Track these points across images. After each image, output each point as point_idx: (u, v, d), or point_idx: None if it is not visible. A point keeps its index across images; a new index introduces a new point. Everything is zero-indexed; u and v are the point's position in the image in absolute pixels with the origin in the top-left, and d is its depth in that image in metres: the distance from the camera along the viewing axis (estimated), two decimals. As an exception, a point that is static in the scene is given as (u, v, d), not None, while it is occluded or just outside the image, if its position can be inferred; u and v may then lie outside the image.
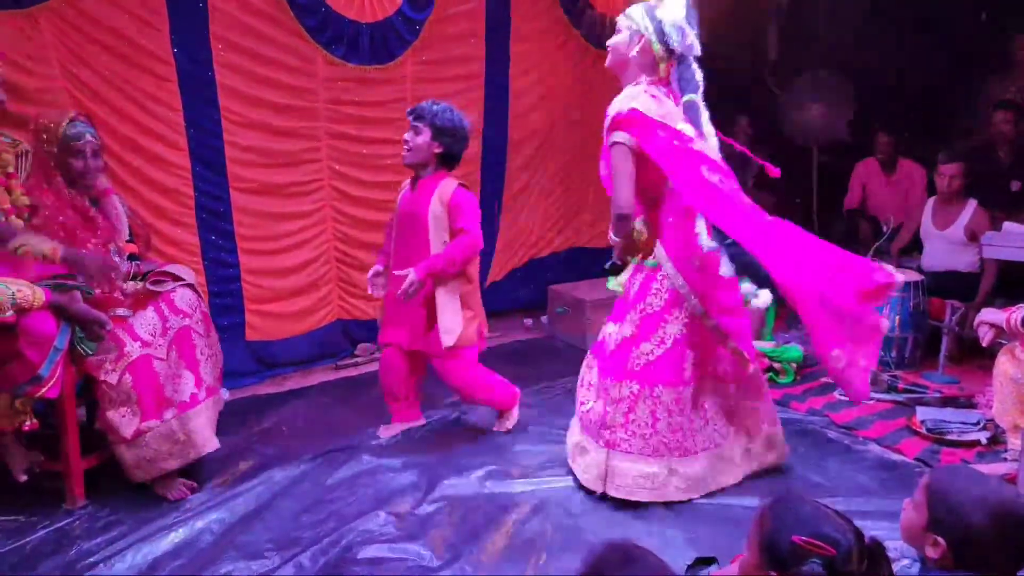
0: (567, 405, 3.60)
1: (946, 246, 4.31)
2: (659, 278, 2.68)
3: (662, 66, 2.60)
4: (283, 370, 4.02)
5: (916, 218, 4.57)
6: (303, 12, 3.75)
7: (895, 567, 1.55)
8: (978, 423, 3.25)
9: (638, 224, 2.74)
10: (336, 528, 2.51)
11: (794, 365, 3.96)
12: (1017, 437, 2.81)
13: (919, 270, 4.32)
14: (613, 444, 2.67)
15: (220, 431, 2.89)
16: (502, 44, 4.60)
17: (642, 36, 2.58)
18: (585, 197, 5.28)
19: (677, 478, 2.66)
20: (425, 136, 2.96)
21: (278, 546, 2.42)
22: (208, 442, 2.77)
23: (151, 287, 2.78)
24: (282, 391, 3.81)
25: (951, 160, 4.24)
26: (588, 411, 2.81)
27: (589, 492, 2.73)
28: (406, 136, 3.00)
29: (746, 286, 2.72)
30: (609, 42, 2.69)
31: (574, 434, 2.92)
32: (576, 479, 2.82)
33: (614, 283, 2.88)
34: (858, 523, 1.46)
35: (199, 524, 2.53)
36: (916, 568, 1.66)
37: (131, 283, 2.82)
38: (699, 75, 2.60)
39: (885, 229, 4.42)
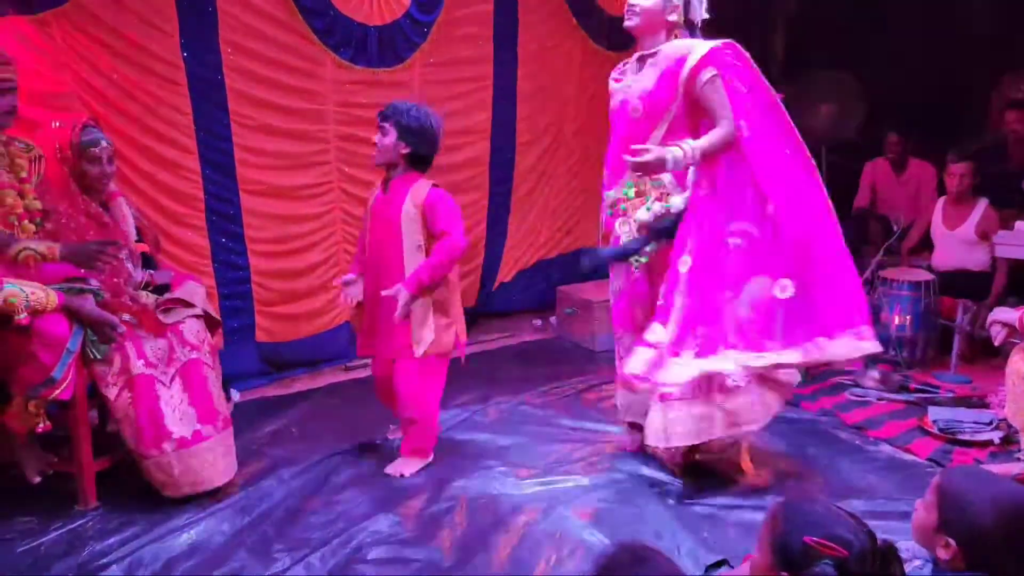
0: (575, 405, 3.61)
1: (957, 245, 4.29)
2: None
3: (677, 32, 2.70)
4: (292, 372, 4.03)
5: (926, 217, 4.55)
6: (311, 15, 3.76)
7: (907, 568, 1.54)
8: (991, 423, 3.23)
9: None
10: (346, 529, 2.51)
11: (804, 365, 3.95)
12: (1030, 437, 2.79)
13: (930, 269, 4.30)
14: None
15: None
16: (510, 46, 4.60)
17: (677, 5, 2.68)
18: (594, 198, 5.27)
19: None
20: (391, 136, 2.84)
21: (288, 547, 2.43)
22: (219, 475, 2.70)
23: (161, 317, 2.72)
24: (291, 393, 3.82)
25: (961, 159, 4.22)
26: None
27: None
28: (375, 137, 2.89)
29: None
30: (642, 5, 2.67)
31: None
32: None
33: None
34: (870, 524, 1.45)
35: (210, 525, 2.54)
36: (928, 569, 1.66)
37: (144, 292, 2.83)
38: None
39: (895, 228, 4.40)
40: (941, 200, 4.43)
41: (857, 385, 3.80)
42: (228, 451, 2.79)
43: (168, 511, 2.61)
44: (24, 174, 2.60)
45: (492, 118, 4.63)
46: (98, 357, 2.50)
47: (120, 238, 2.79)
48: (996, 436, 3.13)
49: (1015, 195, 4.44)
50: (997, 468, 2.70)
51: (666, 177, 2.69)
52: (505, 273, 4.99)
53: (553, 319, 4.94)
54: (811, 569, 1.37)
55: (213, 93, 3.56)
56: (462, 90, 4.49)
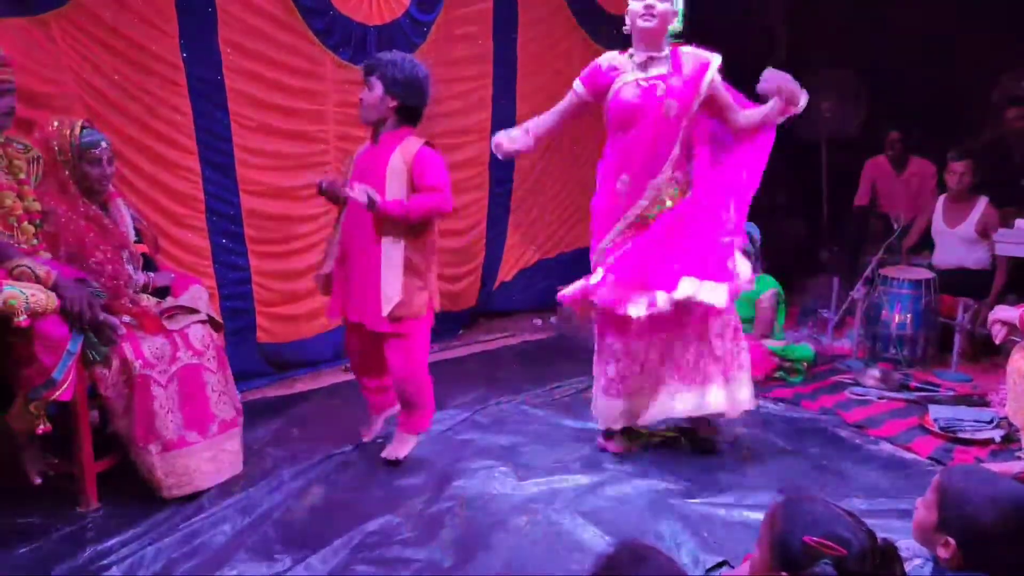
0: (577, 405, 3.61)
1: (957, 243, 4.29)
2: None
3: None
4: (293, 372, 4.04)
5: (927, 215, 4.55)
6: (311, 15, 3.76)
7: (907, 567, 1.54)
8: (991, 421, 3.23)
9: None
10: (346, 529, 2.51)
11: (805, 364, 3.95)
12: (1031, 435, 2.79)
13: (930, 267, 4.30)
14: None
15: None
16: (510, 45, 4.61)
17: (675, 13, 2.91)
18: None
19: None
20: (378, 90, 2.72)
21: (289, 547, 2.43)
22: (206, 479, 2.70)
23: (166, 323, 2.72)
24: (292, 393, 3.82)
25: (961, 157, 4.22)
26: None
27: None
28: (361, 93, 2.78)
29: None
30: (660, 8, 2.78)
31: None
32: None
33: None
34: (870, 523, 1.45)
35: (211, 526, 2.54)
36: (929, 568, 1.66)
37: (145, 295, 2.83)
38: None
39: (895, 227, 4.41)
40: (941, 198, 4.43)
41: (858, 384, 3.80)
42: (218, 456, 2.76)
43: (169, 512, 2.61)
44: (23, 175, 2.59)
45: (492, 117, 4.62)
46: (98, 359, 2.50)
47: (121, 240, 2.79)
48: (997, 434, 3.13)
49: (1015, 193, 4.45)
50: (998, 467, 2.70)
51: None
52: (506, 272, 4.99)
53: (554, 319, 4.94)
54: (811, 568, 1.37)
55: (213, 93, 3.56)
56: (462, 89, 4.48)
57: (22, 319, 2.27)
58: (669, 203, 2.89)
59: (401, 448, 2.98)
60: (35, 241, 2.57)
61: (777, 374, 3.90)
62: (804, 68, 5.64)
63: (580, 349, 4.45)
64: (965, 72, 5.25)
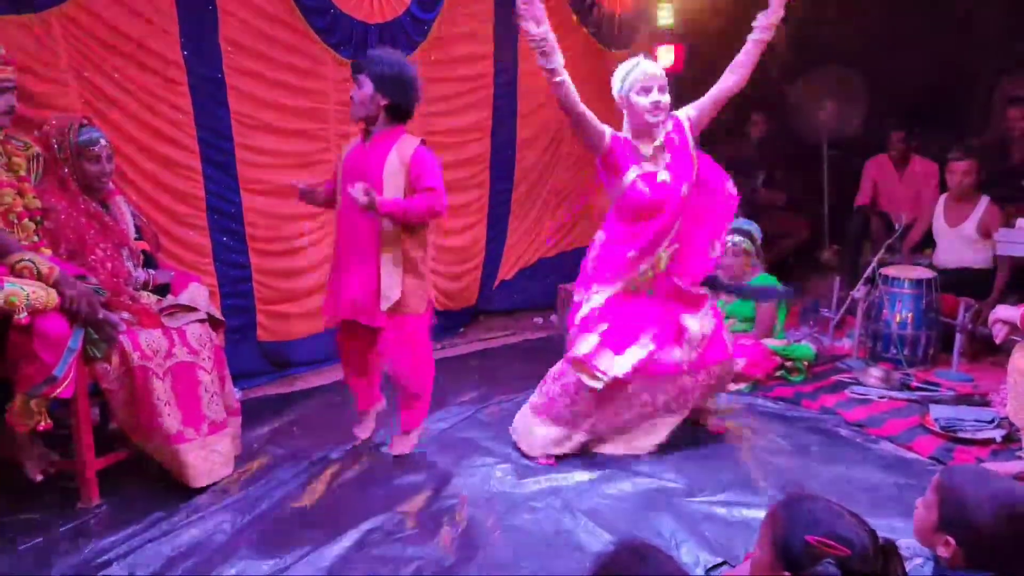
0: (577, 404, 3.60)
1: (958, 243, 4.28)
2: None
3: None
4: (294, 370, 4.04)
5: (928, 215, 4.54)
6: (312, 14, 3.76)
7: (908, 566, 1.54)
8: (992, 421, 3.23)
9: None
10: (347, 527, 2.51)
11: (806, 363, 3.95)
12: (1032, 435, 2.79)
13: (931, 267, 4.29)
14: None
15: (232, 431, 2.90)
16: (510, 43, 4.60)
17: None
18: (594, 196, 5.27)
19: None
20: (367, 88, 2.71)
21: (289, 545, 2.42)
22: (200, 477, 2.70)
23: (165, 321, 2.72)
24: (293, 391, 3.83)
25: (963, 157, 4.22)
26: None
27: None
28: (351, 92, 2.77)
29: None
30: (665, 102, 2.85)
31: None
32: None
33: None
34: (871, 522, 1.45)
35: (212, 523, 2.54)
36: (929, 567, 1.66)
37: (145, 293, 2.83)
38: None
39: (897, 226, 4.40)
40: (943, 197, 4.43)
41: (858, 383, 3.80)
42: (209, 456, 2.75)
43: (170, 508, 2.62)
44: (23, 172, 2.59)
45: (493, 116, 4.62)
46: (99, 355, 2.51)
47: (121, 238, 2.78)
48: (998, 434, 3.13)
49: (1017, 192, 4.45)
50: (998, 466, 2.71)
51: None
52: (506, 271, 4.99)
53: (554, 317, 4.94)
54: (813, 568, 1.36)
55: (214, 92, 3.55)
56: (462, 88, 4.48)
57: (23, 316, 2.27)
58: (662, 266, 2.95)
59: (406, 443, 3.02)
60: (35, 238, 2.58)
61: (778, 373, 3.90)
62: (806, 67, 5.69)
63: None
64: (967, 72, 5.25)
